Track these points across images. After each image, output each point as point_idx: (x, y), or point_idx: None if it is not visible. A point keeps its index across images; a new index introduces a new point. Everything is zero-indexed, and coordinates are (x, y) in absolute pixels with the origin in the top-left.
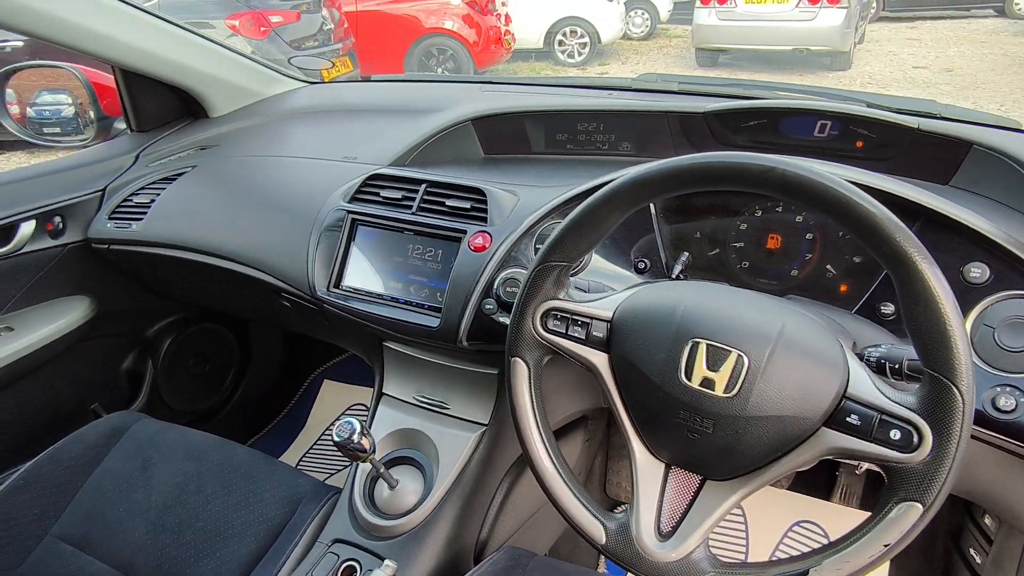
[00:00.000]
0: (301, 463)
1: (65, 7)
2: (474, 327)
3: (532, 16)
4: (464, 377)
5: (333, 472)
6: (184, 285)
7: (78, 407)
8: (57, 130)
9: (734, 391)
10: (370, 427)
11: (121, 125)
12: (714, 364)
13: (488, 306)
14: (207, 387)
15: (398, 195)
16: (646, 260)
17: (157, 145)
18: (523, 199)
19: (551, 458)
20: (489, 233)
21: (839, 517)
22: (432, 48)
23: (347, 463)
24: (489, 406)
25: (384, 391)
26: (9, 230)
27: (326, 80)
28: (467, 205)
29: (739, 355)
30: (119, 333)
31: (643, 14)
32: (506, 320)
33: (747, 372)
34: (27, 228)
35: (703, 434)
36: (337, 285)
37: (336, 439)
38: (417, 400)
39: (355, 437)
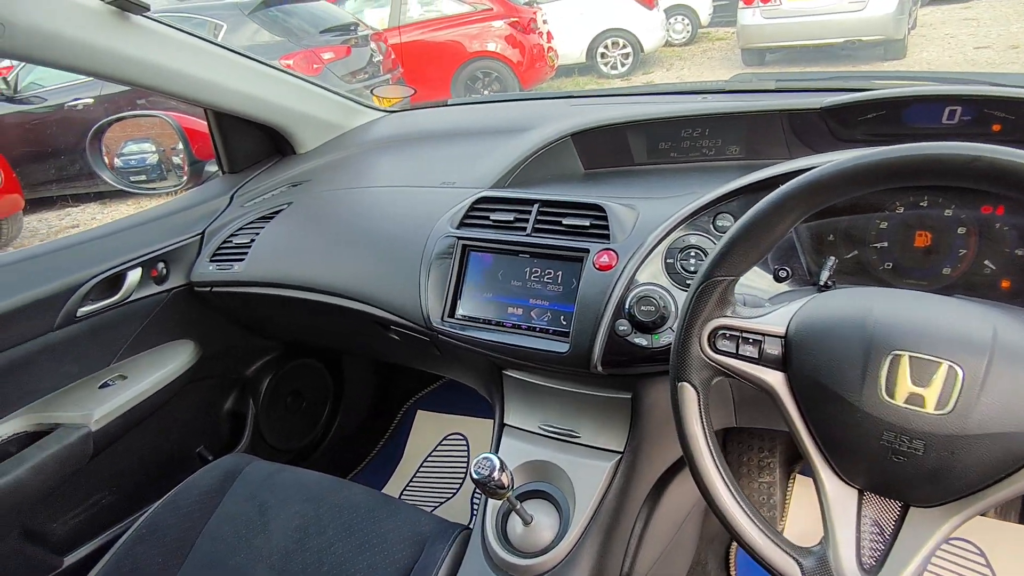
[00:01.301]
0: (403, 496)
1: (166, 56)
2: (608, 350)
3: (573, 31)
4: (594, 403)
5: (436, 504)
6: (283, 322)
7: (185, 451)
8: (143, 177)
9: (948, 407)
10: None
11: (213, 168)
12: (921, 378)
13: (622, 327)
14: (304, 424)
15: (510, 217)
16: (787, 267)
17: (249, 185)
18: (643, 213)
19: (732, 493)
20: (614, 250)
21: None
22: (477, 72)
23: (451, 494)
24: (623, 433)
25: (506, 422)
26: (117, 279)
27: (381, 106)
28: (586, 223)
29: (951, 366)
30: (220, 374)
31: (683, 19)
32: (641, 341)
33: (963, 385)
34: (134, 276)
35: (911, 456)
36: (452, 314)
37: (475, 476)
38: (543, 430)
39: (495, 474)
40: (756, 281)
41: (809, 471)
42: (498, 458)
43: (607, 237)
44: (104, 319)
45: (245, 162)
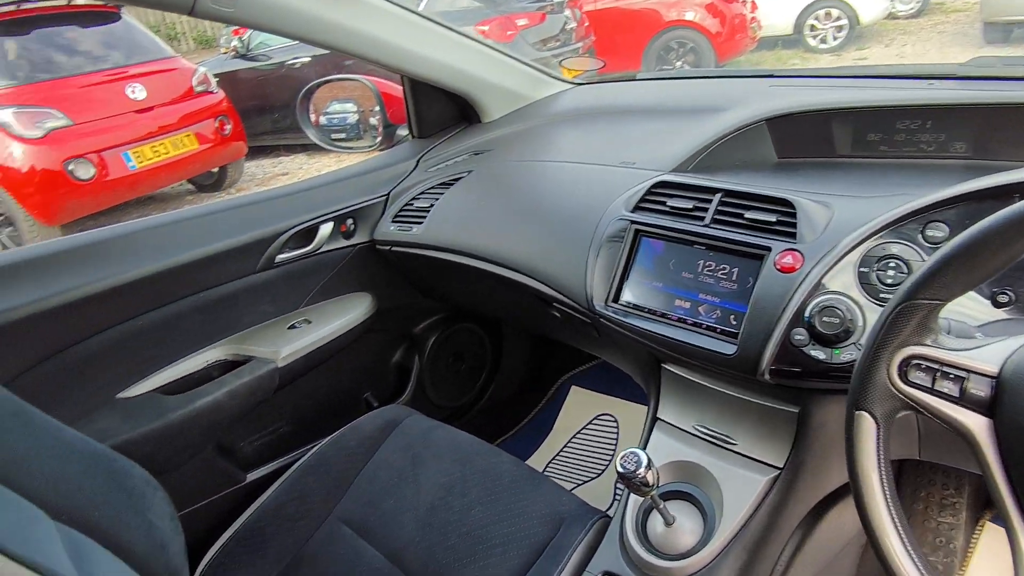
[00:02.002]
0: (547, 469)
1: (371, 24)
2: (779, 359)
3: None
4: (756, 411)
5: (579, 483)
6: (452, 286)
7: (355, 395)
8: (343, 135)
9: None
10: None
11: (404, 132)
12: None
13: (798, 336)
14: (463, 385)
15: (688, 205)
16: (1010, 291)
17: (435, 151)
18: (839, 213)
19: (905, 546)
20: (800, 251)
21: None
22: (671, 42)
23: (594, 475)
24: (785, 448)
25: (659, 416)
26: (312, 232)
27: (567, 77)
28: (771, 218)
29: None
30: (392, 329)
31: None
32: (818, 354)
33: None
34: (326, 229)
35: None
36: (616, 300)
37: (620, 470)
38: (697, 430)
39: (641, 471)
40: (967, 305)
41: (1002, 522)
42: (646, 454)
43: (793, 236)
44: (297, 267)
45: (433, 128)
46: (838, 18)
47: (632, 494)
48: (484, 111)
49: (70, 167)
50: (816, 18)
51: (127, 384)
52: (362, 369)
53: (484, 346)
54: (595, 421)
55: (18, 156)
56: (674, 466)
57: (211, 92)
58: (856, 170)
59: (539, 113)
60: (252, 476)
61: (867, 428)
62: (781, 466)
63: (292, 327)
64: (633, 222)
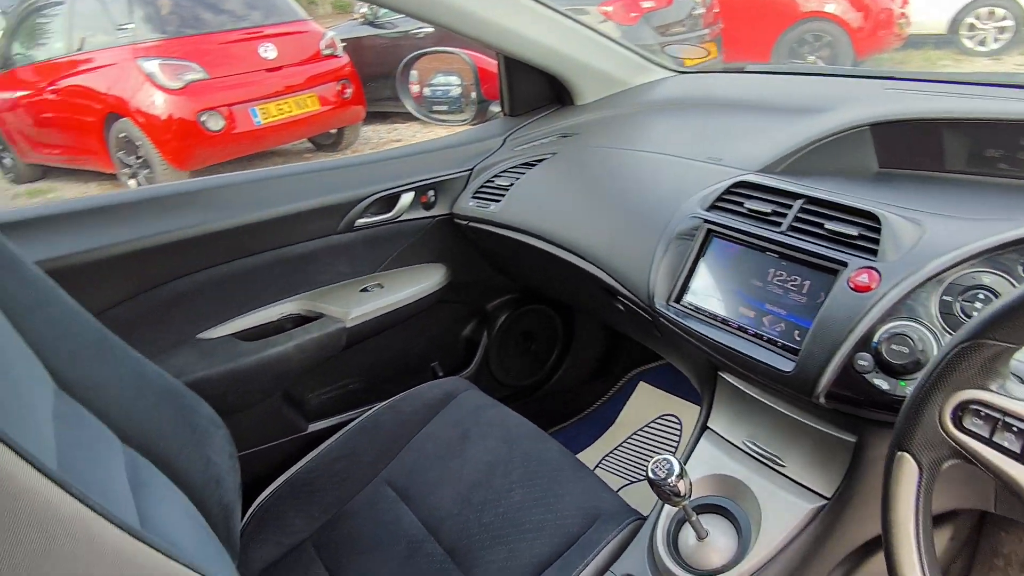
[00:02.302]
0: (601, 463)
1: (472, 2)
2: (838, 383)
3: None
4: (809, 435)
5: (631, 481)
6: (525, 267)
7: (422, 363)
8: (444, 108)
9: None
10: (686, 461)
11: (496, 108)
12: None
13: (862, 362)
14: (529, 366)
15: (766, 209)
16: None
17: (524, 130)
18: (931, 232)
19: None
20: (878, 271)
21: None
22: (806, 35)
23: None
24: (836, 478)
25: (709, 425)
26: (393, 199)
27: (687, 67)
28: (853, 232)
29: None
30: (463, 302)
31: None
32: (881, 383)
33: None
34: (407, 199)
35: None
36: (679, 300)
37: (650, 476)
38: (747, 446)
39: (672, 479)
40: None
41: None
42: (679, 462)
43: (874, 253)
44: (376, 232)
45: (525, 107)
46: (1003, 18)
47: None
48: (577, 93)
49: (203, 118)
50: (976, 17)
51: (206, 326)
52: (432, 339)
53: (556, 330)
54: (658, 420)
55: (159, 105)
56: (715, 479)
57: (336, 56)
58: (964, 188)
59: (634, 99)
60: (313, 427)
61: (908, 472)
62: (829, 496)
63: (364, 290)
64: (706, 221)
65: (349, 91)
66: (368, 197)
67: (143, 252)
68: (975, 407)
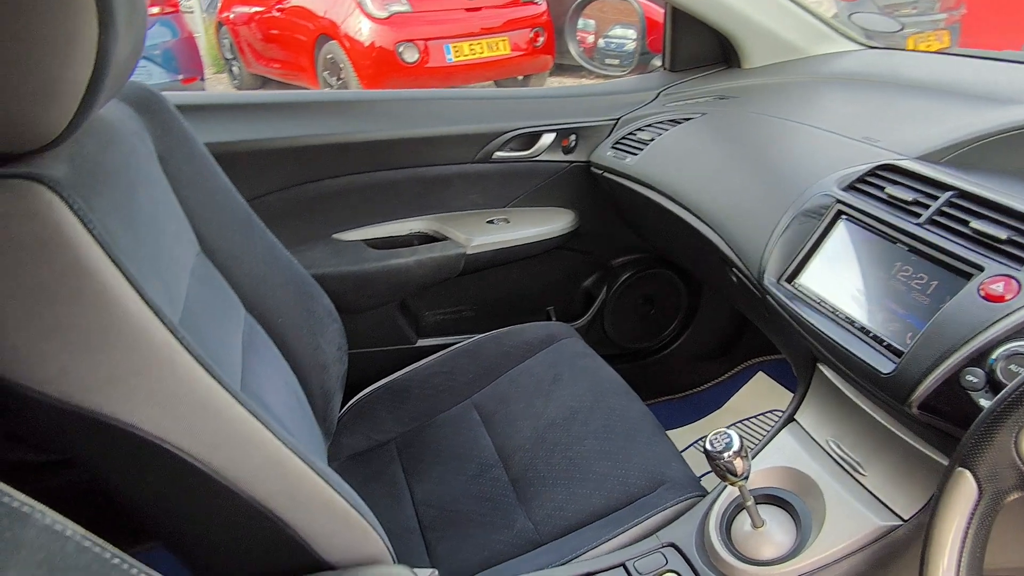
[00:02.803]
0: (695, 444)
1: None
2: (936, 394)
3: None
4: (898, 448)
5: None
6: (652, 225)
7: (537, 306)
8: (616, 62)
9: None
10: (761, 448)
11: (658, 63)
12: None
13: (971, 378)
14: (644, 331)
15: (908, 197)
16: None
17: (680, 87)
18: None
19: None
20: (1018, 281)
21: None
22: None
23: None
24: (918, 500)
25: (796, 417)
26: (534, 138)
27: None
28: (1001, 234)
29: None
30: (588, 253)
31: None
32: (987, 404)
33: None
34: (547, 139)
35: None
36: (791, 279)
37: (706, 447)
38: (829, 446)
39: (727, 455)
40: None
41: None
42: (740, 439)
43: (1020, 261)
44: (511, 168)
45: (687, 63)
46: None
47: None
48: (746, 55)
49: (400, 49)
50: None
51: (341, 229)
52: (551, 284)
53: (679, 299)
54: (768, 415)
55: (364, 31)
56: (786, 472)
57: (535, 3)
58: None
59: (808, 70)
60: (421, 342)
61: (965, 492)
62: (905, 519)
63: (491, 222)
64: (839, 201)
65: (541, 39)
66: (509, 132)
67: (297, 150)
68: None
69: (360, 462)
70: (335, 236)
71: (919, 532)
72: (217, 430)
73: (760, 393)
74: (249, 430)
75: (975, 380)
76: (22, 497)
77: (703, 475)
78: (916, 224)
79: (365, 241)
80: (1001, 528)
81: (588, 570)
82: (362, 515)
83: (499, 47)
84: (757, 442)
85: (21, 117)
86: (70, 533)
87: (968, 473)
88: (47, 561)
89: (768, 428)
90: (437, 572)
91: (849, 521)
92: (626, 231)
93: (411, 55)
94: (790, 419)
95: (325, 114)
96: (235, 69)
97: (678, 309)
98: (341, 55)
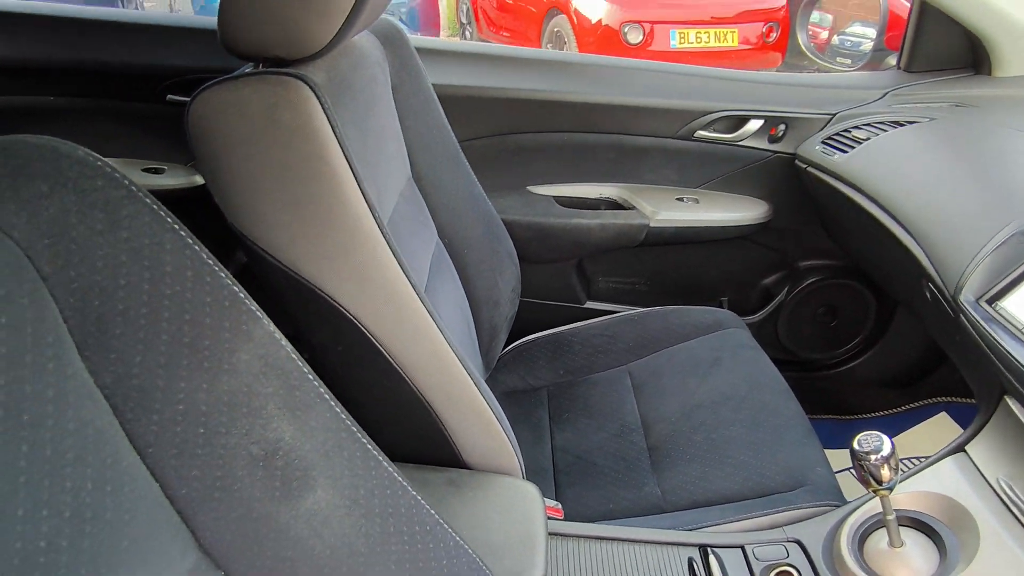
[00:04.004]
0: (850, 470)
1: None
2: None
3: None
4: None
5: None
6: (850, 231)
7: (711, 292)
8: (848, 62)
9: None
10: (918, 471)
11: (892, 61)
12: None
13: None
14: (821, 341)
15: None
16: None
17: (913, 88)
18: None
19: None
20: None
21: None
22: None
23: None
24: None
25: (966, 448)
26: (741, 121)
27: None
28: None
29: None
30: (775, 249)
31: None
32: None
33: None
34: (754, 125)
35: None
36: (992, 301)
37: (854, 447)
38: (999, 485)
39: (874, 457)
40: None
41: None
42: (892, 444)
43: None
44: (712, 148)
45: (927, 64)
46: None
47: (870, 499)
48: (1000, 62)
49: (625, 29)
50: None
51: (536, 182)
52: (731, 273)
53: (867, 316)
54: (921, 459)
55: (593, 8)
56: (941, 499)
57: None
58: None
59: None
60: (590, 304)
61: None
62: None
63: (680, 199)
64: None
65: (774, 35)
66: (716, 112)
67: (508, 101)
68: None
69: (511, 400)
70: (529, 188)
71: None
72: (398, 317)
73: (939, 436)
74: (424, 324)
75: None
76: (255, 305)
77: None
78: None
79: (556, 197)
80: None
81: (705, 542)
82: (503, 429)
83: (727, 38)
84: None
85: (296, 29)
86: (284, 343)
87: None
88: (264, 356)
89: None
90: (562, 506)
91: (1005, 565)
92: (820, 233)
93: (635, 36)
94: (959, 448)
95: (539, 71)
96: (467, 33)
97: (864, 326)
98: (567, 29)
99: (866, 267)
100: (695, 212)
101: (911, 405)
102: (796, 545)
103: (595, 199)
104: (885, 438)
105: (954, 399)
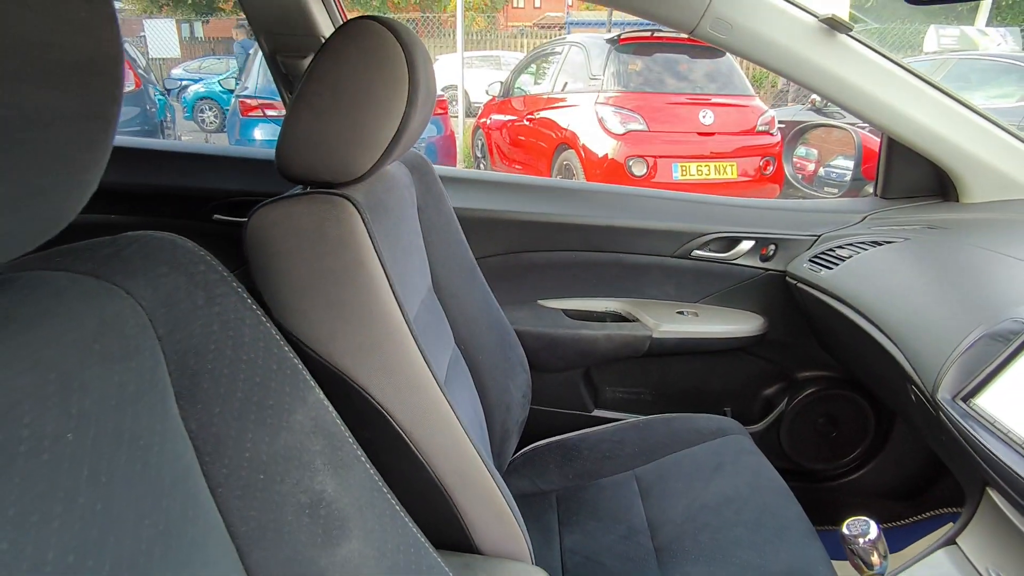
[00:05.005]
0: None
1: (856, 74)
2: None
3: None
4: None
5: None
6: (840, 341)
7: (714, 404)
8: (835, 191)
9: None
10: (912, 564)
11: (870, 189)
12: None
13: None
14: (823, 451)
15: None
16: None
17: (890, 213)
18: None
19: None
20: None
21: None
22: None
23: None
24: None
25: (957, 540)
26: (735, 242)
27: None
28: None
29: None
30: (774, 361)
31: None
32: None
33: None
34: (746, 245)
35: None
36: (967, 399)
37: (843, 531)
38: (989, 574)
39: (862, 540)
40: None
41: None
42: (879, 529)
43: None
44: (708, 267)
45: (900, 192)
46: None
47: None
48: (965, 190)
49: (630, 163)
50: None
51: (546, 296)
52: (733, 384)
53: (867, 426)
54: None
55: (600, 145)
56: None
57: (770, 134)
58: None
59: None
60: (597, 412)
61: None
62: None
63: (680, 312)
64: None
65: (771, 168)
66: (711, 234)
67: (521, 223)
68: None
69: (522, 503)
70: (540, 302)
71: None
72: (421, 407)
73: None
74: (445, 414)
75: None
76: (309, 375)
77: None
78: None
79: (564, 310)
80: None
81: None
82: (515, 516)
83: (727, 171)
84: None
85: (344, 159)
86: (331, 409)
87: None
88: (315, 419)
89: None
90: None
91: None
92: (815, 346)
93: (639, 169)
94: (951, 541)
95: (548, 196)
96: (482, 166)
97: (864, 437)
98: (576, 163)
99: (860, 376)
100: (695, 324)
101: (918, 517)
102: None
103: (602, 312)
104: (872, 523)
105: (959, 509)
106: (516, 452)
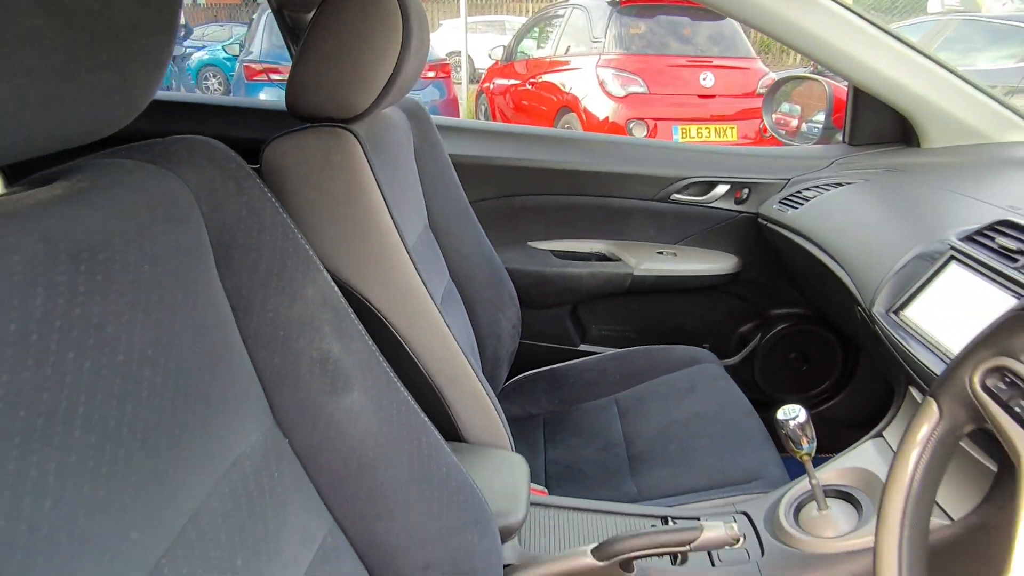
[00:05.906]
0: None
1: (819, 25)
2: None
3: None
4: (961, 456)
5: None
6: (804, 274)
7: (692, 340)
8: (813, 141)
9: None
10: (844, 453)
11: (840, 137)
12: None
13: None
14: (794, 384)
15: (1013, 246)
16: None
17: (855, 158)
18: None
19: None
20: None
21: None
22: None
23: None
24: (968, 504)
25: (883, 433)
26: (712, 186)
27: None
28: None
29: None
30: (748, 300)
31: None
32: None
33: None
34: (722, 189)
35: None
36: (898, 311)
37: (778, 416)
38: None
39: (792, 423)
40: None
41: None
42: (807, 414)
43: None
44: (686, 210)
45: (867, 139)
46: None
47: (808, 479)
48: (926, 136)
49: (630, 125)
50: None
51: (535, 238)
52: (709, 323)
53: (834, 361)
54: None
55: (601, 107)
56: (860, 473)
57: None
58: None
59: (991, 155)
60: (583, 347)
61: (929, 416)
62: (954, 519)
63: (660, 252)
64: (952, 247)
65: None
66: (690, 178)
67: (512, 168)
68: (1006, 373)
69: (511, 426)
70: (529, 243)
71: (966, 533)
72: (415, 313)
73: None
74: (436, 321)
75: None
76: (319, 262)
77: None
78: (1015, 268)
79: (552, 251)
80: None
81: (666, 513)
82: (497, 411)
83: (727, 134)
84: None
85: (345, 94)
86: (336, 291)
87: (933, 401)
88: (324, 295)
89: None
90: (547, 491)
91: None
92: (786, 285)
93: (639, 132)
94: (878, 434)
95: (539, 145)
96: None
97: (832, 370)
98: (577, 126)
99: (823, 308)
100: (673, 263)
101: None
102: (743, 516)
103: (587, 252)
104: (802, 409)
105: None
106: (508, 380)
